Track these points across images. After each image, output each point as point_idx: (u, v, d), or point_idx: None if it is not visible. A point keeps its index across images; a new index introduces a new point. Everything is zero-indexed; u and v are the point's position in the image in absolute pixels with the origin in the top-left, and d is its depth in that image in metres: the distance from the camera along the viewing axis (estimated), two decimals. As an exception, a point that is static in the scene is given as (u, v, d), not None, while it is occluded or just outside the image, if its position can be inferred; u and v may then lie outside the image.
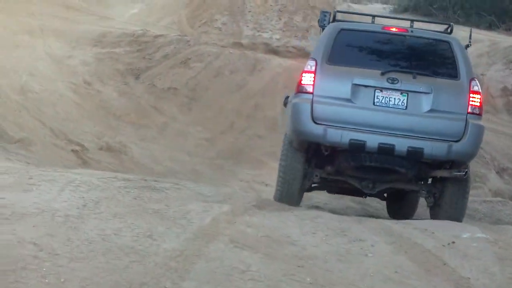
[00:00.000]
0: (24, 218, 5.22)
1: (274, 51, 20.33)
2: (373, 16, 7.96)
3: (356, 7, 24.17)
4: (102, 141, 15.32)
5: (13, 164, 7.90)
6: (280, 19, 21.57)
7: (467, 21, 23.55)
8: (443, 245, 5.72)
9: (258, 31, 21.24)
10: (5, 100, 15.68)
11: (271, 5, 21.88)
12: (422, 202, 8.72)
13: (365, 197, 8.90)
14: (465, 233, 6.29)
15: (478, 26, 23.26)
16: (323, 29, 7.88)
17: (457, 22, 21.20)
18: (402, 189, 7.80)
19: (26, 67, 17.26)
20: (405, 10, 25.68)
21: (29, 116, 15.57)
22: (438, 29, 8.17)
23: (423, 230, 6.20)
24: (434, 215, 7.44)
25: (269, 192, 9.11)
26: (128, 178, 7.25)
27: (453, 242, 5.78)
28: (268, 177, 12.31)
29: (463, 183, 7.14)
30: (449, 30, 7.77)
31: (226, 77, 17.19)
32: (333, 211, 7.93)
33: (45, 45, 18.64)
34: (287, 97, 8.09)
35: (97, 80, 17.57)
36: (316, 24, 21.39)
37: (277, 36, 20.99)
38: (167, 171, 13.82)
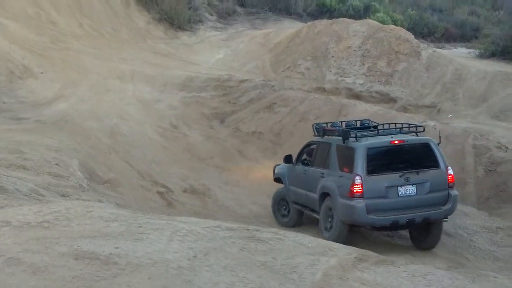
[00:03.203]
0: (139, 269, 5.23)
1: (357, 96, 20.19)
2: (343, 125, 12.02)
3: (441, 52, 23.72)
4: (186, 183, 15.48)
5: (119, 211, 8.01)
6: (363, 64, 21.41)
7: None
8: None
9: (341, 76, 21.15)
10: (96, 142, 16.18)
11: (354, 50, 21.76)
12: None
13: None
14: None
15: None
16: (317, 132, 12.25)
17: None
18: (428, 223, 10.85)
19: (116, 111, 17.83)
20: (492, 55, 24.95)
21: (118, 158, 15.97)
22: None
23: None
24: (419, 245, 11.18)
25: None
26: (231, 228, 7.20)
27: None
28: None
29: (441, 224, 11.02)
30: (422, 130, 11.40)
31: (311, 122, 16.96)
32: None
33: (134, 89, 19.20)
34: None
35: (183, 123, 17.88)
36: (400, 69, 21.31)
37: (360, 81, 20.84)
38: (251, 214, 13.76)
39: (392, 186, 10.44)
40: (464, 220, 12.29)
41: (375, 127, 12.09)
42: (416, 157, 10.83)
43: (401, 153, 10.81)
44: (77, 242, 5.86)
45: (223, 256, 5.91)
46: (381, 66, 21.20)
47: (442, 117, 18.95)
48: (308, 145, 12.60)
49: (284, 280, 5.44)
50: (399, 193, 10.49)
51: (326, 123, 12.57)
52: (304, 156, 12.57)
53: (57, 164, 13.23)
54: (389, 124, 12.10)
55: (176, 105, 18.59)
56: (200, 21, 25.62)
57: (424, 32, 30.06)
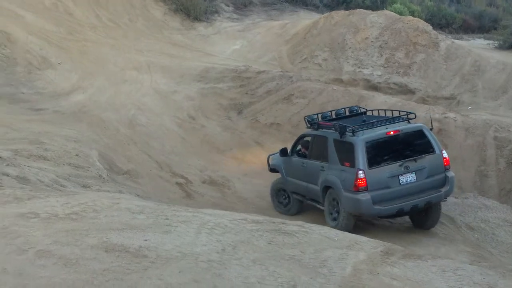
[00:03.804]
0: (169, 263, 5.21)
1: (375, 87, 20.04)
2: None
3: (459, 43, 23.47)
4: (205, 174, 15.46)
5: (145, 203, 8.00)
6: (381, 55, 21.22)
7: None
8: None
9: (359, 67, 20.99)
10: (115, 133, 16.19)
11: (371, 42, 21.57)
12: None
13: None
14: None
15: None
16: (309, 124, 12.49)
17: None
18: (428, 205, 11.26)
19: (134, 102, 17.82)
20: (511, 46, 24.69)
21: (137, 149, 15.98)
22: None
23: None
24: (419, 225, 11.76)
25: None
26: (257, 221, 7.16)
27: None
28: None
29: (440, 204, 11.57)
30: (413, 116, 11.68)
31: (329, 114, 17.02)
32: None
33: (151, 80, 19.17)
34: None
35: (201, 114, 17.84)
36: (418, 60, 21.10)
37: (379, 73, 20.67)
38: (271, 206, 13.72)
39: (393, 176, 10.83)
40: (486, 214, 12.21)
41: (364, 113, 12.60)
42: (412, 144, 11.23)
43: (397, 143, 11.14)
44: (106, 234, 5.85)
45: (251, 250, 5.87)
46: (399, 58, 20.99)
47: (462, 108, 18.75)
48: (302, 137, 12.90)
49: (315, 274, 5.40)
50: (401, 182, 10.89)
51: (317, 114, 12.84)
52: (299, 147, 12.92)
53: (77, 155, 13.26)
54: (378, 110, 12.66)
55: (193, 96, 18.54)
56: (217, 12, 25.52)
57: (442, 23, 29.76)
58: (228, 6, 26.49)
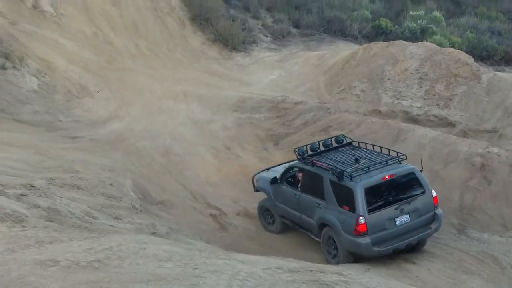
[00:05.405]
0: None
1: (414, 120, 19.60)
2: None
3: (502, 75, 22.89)
4: (239, 205, 15.24)
5: (174, 248, 7.63)
6: (421, 87, 20.81)
7: None
8: None
9: (398, 98, 20.60)
10: (149, 162, 16.12)
11: (411, 73, 21.19)
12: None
13: None
14: None
15: None
16: (298, 155, 13.40)
17: None
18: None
19: (169, 131, 17.79)
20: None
21: (171, 179, 15.86)
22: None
23: None
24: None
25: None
26: (294, 269, 6.73)
27: None
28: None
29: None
30: (404, 158, 12.29)
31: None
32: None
33: (188, 109, 19.14)
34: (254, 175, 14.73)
35: (237, 145, 17.68)
36: (459, 93, 20.63)
37: (418, 104, 20.24)
38: (305, 239, 13.41)
39: (390, 219, 11.69)
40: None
41: (350, 143, 13.53)
42: (405, 187, 12.08)
43: (392, 186, 11.93)
44: None
45: (287, 307, 5.48)
46: (439, 90, 20.55)
47: (504, 143, 18.18)
48: (292, 167, 13.73)
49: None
50: (397, 223, 11.75)
51: (306, 145, 13.58)
52: (288, 176, 13.75)
53: (111, 184, 13.19)
54: (365, 143, 13.39)
55: (229, 126, 18.42)
56: (254, 42, 25.52)
57: (482, 55, 29.18)
58: (266, 36, 26.48)
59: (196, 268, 6.31)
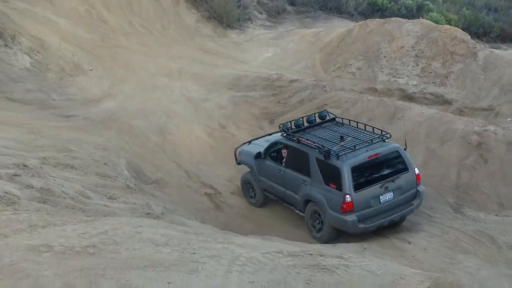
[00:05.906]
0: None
1: (410, 98, 19.47)
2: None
3: (498, 53, 22.73)
4: (234, 185, 15.14)
5: (171, 231, 7.45)
6: (417, 64, 20.65)
7: None
8: None
9: (394, 76, 20.45)
10: (144, 141, 15.96)
11: (407, 51, 21.01)
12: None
13: None
14: None
15: None
16: (281, 130, 13.45)
17: None
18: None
19: (164, 109, 17.58)
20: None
21: (166, 158, 15.71)
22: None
23: None
24: None
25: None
26: (294, 253, 6.59)
27: None
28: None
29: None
30: (388, 136, 12.47)
31: (363, 125, 16.52)
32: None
33: (182, 87, 18.93)
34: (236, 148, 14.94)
35: (232, 123, 17.51)
36: (456, 70, 20.50)
37: (414, 82, 20.09)
38: (300, 217, 13.35)
39: (375, 197, 11.94)
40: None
41: (333, 119, 13.68)
42: (389, 165, 12.29)
43: (377, 164, 12.14)
44: (125, 275, 5.32)
45: (288, 293, 5.36)
46: (436, 67, 20.40)
47: (500, 120, 18.09)
48: (276, 143, 13.77)
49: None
50: (381, 201, 11.99)
51: (290, 122, 13.58)
52: (272, 151, 13.88)
53: (105, 164, 13.05)
54: (349, 120, 13.50)
55: (224, 104, 18.23)
56: (249, 19, 25.24)
57: (479, 32, 29.02)
58: (261, 13, 26.20)
59: (194, 253, 6.16)
